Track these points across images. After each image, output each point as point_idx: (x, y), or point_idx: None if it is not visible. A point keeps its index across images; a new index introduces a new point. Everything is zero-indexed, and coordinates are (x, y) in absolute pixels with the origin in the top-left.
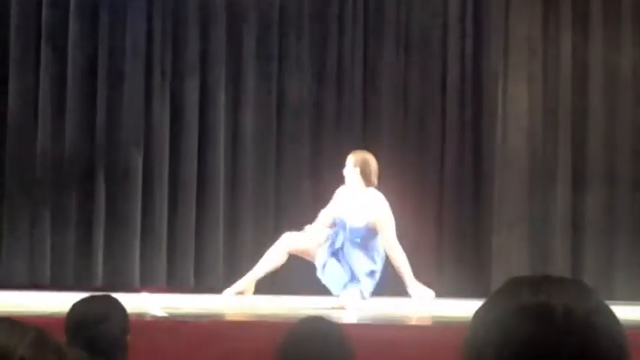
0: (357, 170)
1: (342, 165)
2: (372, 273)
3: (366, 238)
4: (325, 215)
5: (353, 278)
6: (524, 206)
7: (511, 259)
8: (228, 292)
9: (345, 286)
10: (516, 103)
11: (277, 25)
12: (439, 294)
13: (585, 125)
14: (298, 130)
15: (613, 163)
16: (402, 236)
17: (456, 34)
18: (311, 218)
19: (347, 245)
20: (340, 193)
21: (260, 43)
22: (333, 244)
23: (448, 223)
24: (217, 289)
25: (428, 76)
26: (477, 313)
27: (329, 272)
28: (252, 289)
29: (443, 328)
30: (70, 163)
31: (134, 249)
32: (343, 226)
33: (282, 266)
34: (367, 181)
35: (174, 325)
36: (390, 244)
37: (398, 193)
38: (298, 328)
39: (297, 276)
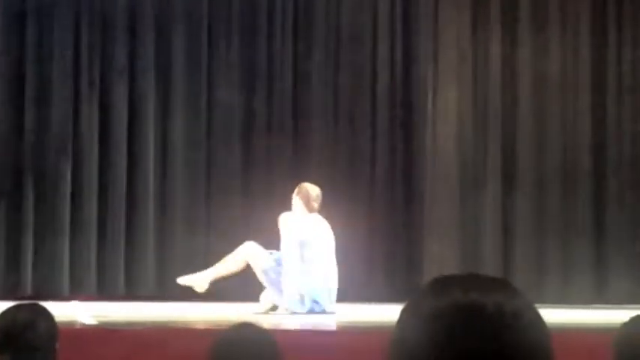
0: (298, 198)
1: (273, 173)
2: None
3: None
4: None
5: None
6: (455, 209)
7: (443, 262)
8: (182, 279)
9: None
10: (446, 107)
11: (206, 29)
12: (370, 298)
13: (514, 128)
14: (228, 135)
15: (542, 166)
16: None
17: (386, 38)
18: (242, 221)
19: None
20: (285, 218)
21: (189, 48)
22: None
23: (379, 227)
24: (148, 297)
25: (358, 80)
26: (405, 312)
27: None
28: (206, 287)
29: (373, 332)
30: None
31: (63, 257)
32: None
33: (239, 274)
34: (308, 208)
35: (105, 333)
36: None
37: (328, 197)
38: (228, 334)
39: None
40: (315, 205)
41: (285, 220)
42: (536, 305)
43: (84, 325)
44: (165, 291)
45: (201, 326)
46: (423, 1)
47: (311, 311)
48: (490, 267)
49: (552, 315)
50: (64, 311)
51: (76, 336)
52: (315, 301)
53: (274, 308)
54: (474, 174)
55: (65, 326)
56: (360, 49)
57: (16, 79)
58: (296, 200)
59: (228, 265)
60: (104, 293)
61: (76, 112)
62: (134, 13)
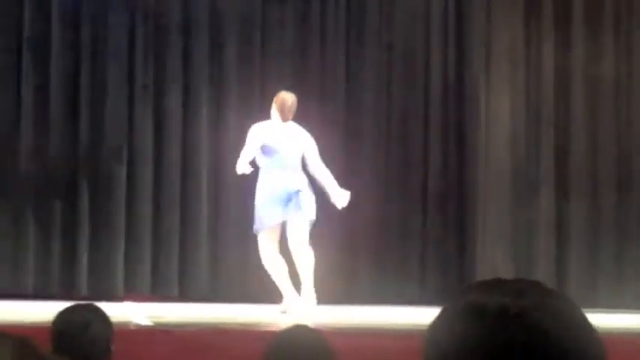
0: (274, 107)
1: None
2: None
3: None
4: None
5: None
6: (508, 214)
7: (495, 266)
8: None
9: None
10: (499, 112)
11: (259, 34)
12: (422, 302)
13: (568, 133)
14: None
15: (596, 170)
16: (386, 247)
17: (439, 44)
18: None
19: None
20: (257, 128)
21: (242, 54)
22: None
23: (432, 232)
24: (202, 299)
25: (411, 85)
26: (438, 316)
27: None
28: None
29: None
30: (53, 174)
31: (118, 258)
32: (275, 154)
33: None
34: (283, 116)
35: (159, 333)
36: (318, 163)
37: (381, 203)
38: (283, 336)
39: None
40: (289, 114)
41: (253, 127)
42: (590, 310)
43: (138, 325)
44: (219, 292)
45: (254, 328)
46: (476, 8)
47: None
48: (543, 272)
49: (606, 320)
50: (119, 312)
51: (130, 337)
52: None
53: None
54: (527, 179)
55: (120, 327)
56: (413, 54)
57: (72, 81)
58: (272, 109)
59: (281, 268)
60: (158, 294)
61: (131, 114)
62: (188, 17)
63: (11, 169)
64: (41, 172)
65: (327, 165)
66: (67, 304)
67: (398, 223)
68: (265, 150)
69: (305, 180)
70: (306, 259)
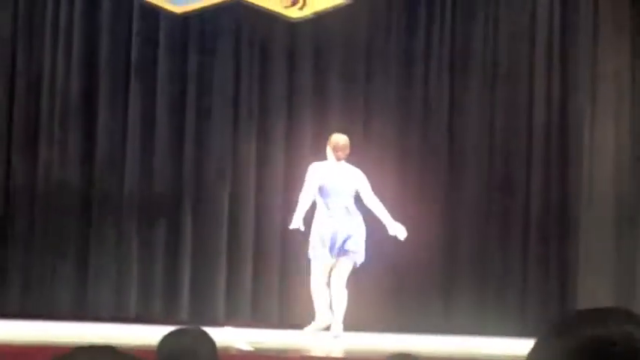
0: (328, 147)
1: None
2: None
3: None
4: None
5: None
6: (610, 244)
7: (596, 297)
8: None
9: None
10: (603, 142)
11: (363, 63)
12: (523, 334)
13: None
14: (382, 169)
15: None
16: (487, 277)
17: (542, 71)
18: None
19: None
20: (315, 167)
21: (346, 82)
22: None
23: (534, 264)
24: (300, 325)
25: (514, 113)
26: (536, 349)
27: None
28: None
29: None
30: (158, 199)
31: (219, 283)
32: (328, 194)
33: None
34: (336, 156)
35: (260, 359)
36: (372, 199)
37: (483, 233)
38: None
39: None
40: (341, 154)
41: (310, 168)
42: None
43: (240, 351)
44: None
45: (352, 356)
46: (582, 34)
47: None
48: None
49: None
50: (219, 337)
51: None
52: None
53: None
54: (630, 209)
55: (221, 352)
56: (517, 81)
57: (178, 107)
58: (327, 150)
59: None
60: (258, 320)
61: (235, 139)
62: (293, 43)
63: (116, 192)
64: (146, 196)
65: (429, 194)
66: (170, 328)
67: (498, 256)
68: (320, 190)
69: (358, 221)
70: (341, 297)
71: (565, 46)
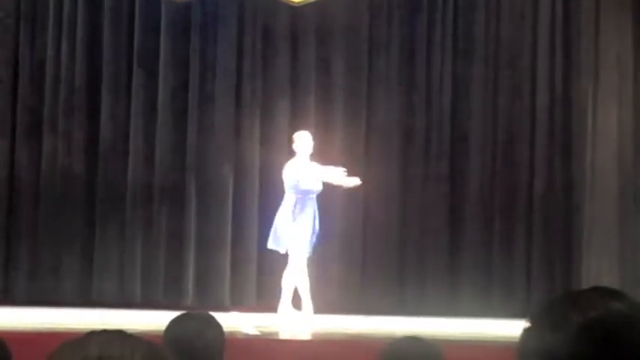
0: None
1: (428, 192)
2: None
3: None
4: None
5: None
6: (615, 228)
7: (601, 280)
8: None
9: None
10: (606, 126)
11: (366, 45)
12: (527, 315)
13: None
14: (386, 152)
15: None
16: (491, 258)
17: (545, 56)
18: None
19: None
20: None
21: (349, 63)
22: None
23: (538, 249)
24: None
25: (517, 98)
26: (541, 326)
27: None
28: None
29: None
30: (162, 184)
31: (224, 268)
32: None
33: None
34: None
35: (267, 343)
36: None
37: (486, 215)
38: (395, 347)
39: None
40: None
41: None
42: None
43: (247, 335)
44: (327, 304)
45: (365, 339)
46: (584, 19)
47: None
48: None
49: None
50: (225, 321)
51: (239, 345)
52: None
53: None
54: (634, 193)
55: (227, 336)
56: (520, 66)
57: (181, 93)
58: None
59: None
60: (263, 305)
61: (238, 124)
62: (296, 26)
63: (121, 179)
64: (149, 182)
65: (433, 178)
66: (175, 314)
67: (503, 239)
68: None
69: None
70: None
71: (568, 30)
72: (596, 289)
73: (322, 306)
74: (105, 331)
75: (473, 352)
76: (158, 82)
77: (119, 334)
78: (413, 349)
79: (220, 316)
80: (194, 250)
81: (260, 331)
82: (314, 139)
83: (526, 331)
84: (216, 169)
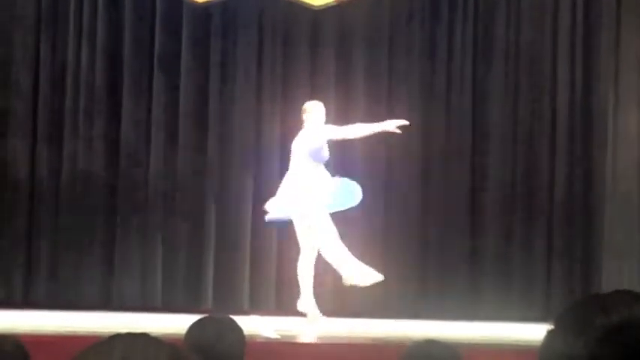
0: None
1: (450, 194)
2: None
3: None
4: None
5: None
6: (635, 232)
7: (622, 285)
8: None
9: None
10: (627, 129)
11: (386, 49)
12: (548, 320)
13: None
14: (405, 151)
15: None
16: (511, 262)
17: (565, 58)
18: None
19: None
20: None
21: (370, 66)
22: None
23: (558, 253)
24: (326, 313)
25: (537, 100)
26: (565, 329)
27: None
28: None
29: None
30: (182, 188)
31: (244, 272)
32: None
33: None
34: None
35: (287, 347)
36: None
37: (507, 220)
38: (415, 351)
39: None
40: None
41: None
42: None
43: (267, 338)
44: (344, 307)
45: (384, 342)
46: (605, 21)
47: None
48: None
49: None
50: (245, 325)
51: (260, 349)
52: None
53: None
54: None
55: (248, 339)
56: (540, 69)
57: (201, 97)
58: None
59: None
60: (282, 308)
61: (258, 127)
62: (316, 31)
63: (142, 183)
64: (170, 186)
65: (454, 178)
66: (195, 317)
67: (523, 242)
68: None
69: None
70: None
71: (588, 33)
72: (620, 293)
73: (342, 309)
74: (129, 334)
75: (493, 355)
76: (179, 87)
77: (143, 337)
78: (433, 352)
79: (239, 320)
80: (214, 253)
81: (280, 335)
82: (333, 144)
83: (549, 333)
84: (236, 173)
